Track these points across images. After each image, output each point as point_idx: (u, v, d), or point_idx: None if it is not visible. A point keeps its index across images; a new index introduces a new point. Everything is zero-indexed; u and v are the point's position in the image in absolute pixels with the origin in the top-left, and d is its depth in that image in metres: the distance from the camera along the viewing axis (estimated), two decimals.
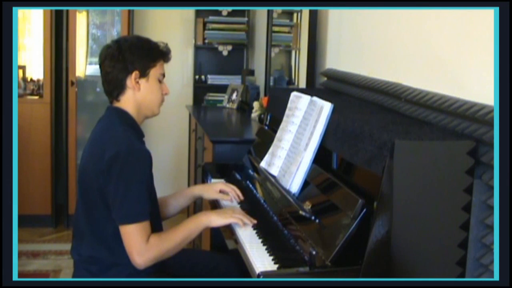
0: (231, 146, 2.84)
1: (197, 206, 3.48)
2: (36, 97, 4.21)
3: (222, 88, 4.47)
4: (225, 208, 2.10)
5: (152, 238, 1.78)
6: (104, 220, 1.81)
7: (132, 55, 1.86)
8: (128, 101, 1.90)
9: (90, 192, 1.84)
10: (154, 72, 1.90)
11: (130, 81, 1.87)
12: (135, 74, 1.87)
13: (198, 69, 4.61)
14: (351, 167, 1.70)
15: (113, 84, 1.89)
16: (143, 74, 1.88)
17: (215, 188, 2.21)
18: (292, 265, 1.58)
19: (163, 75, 1.95)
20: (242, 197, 2.17)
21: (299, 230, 1.73)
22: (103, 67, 1.89)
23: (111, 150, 1.77)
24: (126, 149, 1.77)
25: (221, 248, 2.58)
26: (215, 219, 1.91)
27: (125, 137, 1.81)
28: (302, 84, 3.29)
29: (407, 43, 2.10)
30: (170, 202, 2.18)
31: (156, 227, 1.91)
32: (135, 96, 1.89)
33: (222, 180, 2.51)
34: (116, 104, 1.92)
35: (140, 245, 1.75)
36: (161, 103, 1.97)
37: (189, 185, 4.32)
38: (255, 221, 1.93)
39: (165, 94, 1.97)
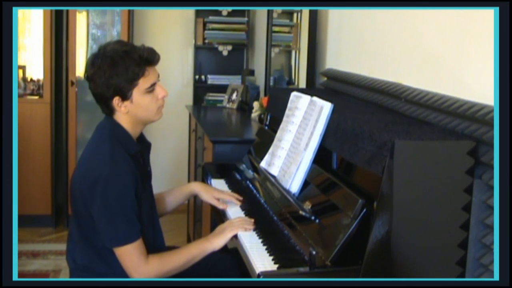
0: (231, 146, 2.84)
1: (197, 206, 3.48)
2: (36, 97, 4.21)
3: (222, 88, 4.47)
4: (222, 224, 2.00)
5: (153, 259, 1.78)
6: (94, 231, 1.80)
7: (107, 80, 1.75)
8: (120, 118, 1.85)
9: (78, 205, 1.83)
10: (138, 90, 1.78)
11: (114, 104, 1.80)
12: (116, 99, 1.79)
13: (198, 69, 4.61)
14: (351, 167, 1.70)
15: (101, 105, 1.84)
16: (124, 98, 1.79)
17: (214, 194, 2.20)
18: (292, 265, 1.58)
19: (155, 83, 1.82)
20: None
21: (299, 230, 1.73)
22: (89, 86, 1.83)
23: (93, 172, 1.75)
24: (106, 173, 1.72)
25: (221, 247, 2.58)
26: (217, 242, 1.88)
27: (109, 158, 1.76)
28: (302, 84, 3.29)
29: (407, 43, 2.10)
30: (167, 199, 2.18)
31: (156, 242, 1.90)
32: (125, 116, 1.83)
33: (223, 181, 2.51)
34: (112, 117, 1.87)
35: (138, 264, 1.75)
36: (160, 108, 1.88)
37: None
38: (253, 222, 1.92)
39: (162, 97, 1.86)
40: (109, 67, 1.75)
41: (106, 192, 1.73)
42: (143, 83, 1.79)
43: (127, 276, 1.80)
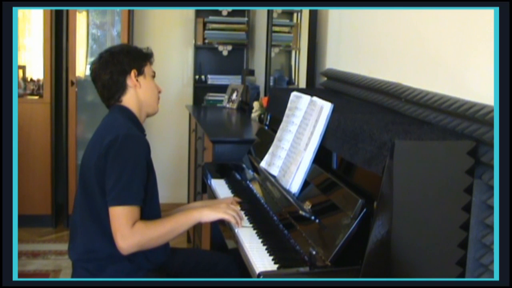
0: (231, 146, 2.84)
1: None
2: (36, 97, 4.21)
3: (222, 88, 4.47)
4: (220, 202, 2.09)
5: (138, 224, 1.79)
6: (104, 208, 1.82)
7: (126, 57, 1.97)
8: (130, 100, 1.99)
9: (89, 181, 1.87)
10: (147, 70, 2.02)
11: (131, 80, 1.97)
12: (133, 72, 1.97)
13: (198, 69, 4.61)
14: (351, 167, 1.70)
15: (114, 88, 1.97)
16: (140, 71, 1.99)
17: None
18: (292, 265, 1.58)
19: (154, 73, 2.07)
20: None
21: (299, 230, 1.73)
22: (99, 77, 1.97)
23: (111, 135, 1.83)
24: (124, 133, 1.83)
25: (221, 247, 2.58)
26: (207, 214, 1.92)
27: (125, 125, 1.88)
28: (302, 84, 3.29)
29: (407, 43, 2.10)
30: None
31: (154, 217, 1.90)
32: (137, 93, 1.99)
33: (223, 181, 2.51)
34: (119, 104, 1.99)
35: (124, 228, 1.76)
36: (158, 100, 2.08)
37: (189, 185, 4.32)
38: (244, 220, 1.94)
39: (159, 92, 2.08)
40: (125, 48, 2.03)
41: (120, 151, 1.81)
42: (150, 66, 2.05)
43: (128, 260, 1.82)
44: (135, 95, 1.98)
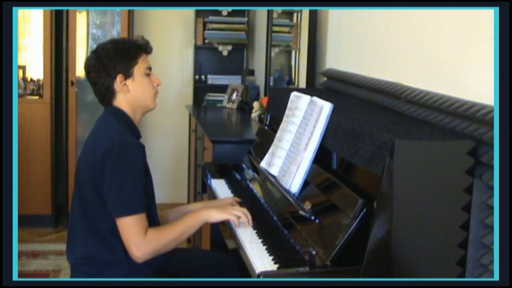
0: (231, 146, 2.84)
1: None
2: (36, 97, 4.21)
3: (222, 88, 4.47)
4: (222, 201, 2.10)
5: (150, 231, 1.79)
6: (101, 216, 1.82)
7: (111, 61, 1.89)
8: (121, 103, 1.93)
9: (85, 188, 1.85)
10: (138, 69, 1.92)
11: (117, 85, 1.91)
12: (119, 77, 1.90)
13: (198, 69, 4.61)
14: (351, 167, 1.70)
15: (103, 92, 1.93)
16: (127, 75, 1.91)
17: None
18: (292, 265, 1.58)
19: (150, 68, 1.97)
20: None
21: (299, 230, 1.73)
22: (89, 79, 1.94)
23: (105, 144, 1.80)
24: (119, 142, 1.79)
25: (221, 247, 2.58)
26: (215, 214, 1.93)
27: (119, 131, 1.84)
28: (302, 84, 3.29)
29: (407, 43, 2.10)
30: (169, 218, 2.17)
31: (153, 220, 1.91)
32: (127, 97, 1.93)
33: (223, 181, 2.51)
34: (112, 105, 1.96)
35: (138, 238, 1.76)
36: (155, 95, 1.99)
37: (189, 185, 4.32)
38: (251, 223, 1.93)
39: (157, 85, 1.99)
40: (112, 48, 1.91)
41: (117, 162, 1.77)
42: (142, 63, 1.94)
43: (127, 263, 1.81)
44: (125, 98, 1.92)
